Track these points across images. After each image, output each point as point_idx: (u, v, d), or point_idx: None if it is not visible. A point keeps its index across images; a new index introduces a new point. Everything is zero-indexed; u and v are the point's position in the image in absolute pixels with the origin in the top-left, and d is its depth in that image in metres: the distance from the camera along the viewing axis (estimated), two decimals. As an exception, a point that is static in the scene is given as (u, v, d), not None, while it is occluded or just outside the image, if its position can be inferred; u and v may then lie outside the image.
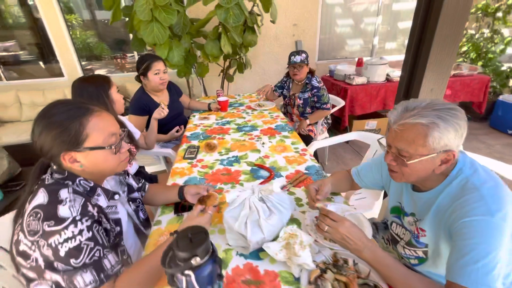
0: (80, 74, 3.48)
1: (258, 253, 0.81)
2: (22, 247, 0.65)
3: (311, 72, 2.25)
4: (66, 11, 3.31)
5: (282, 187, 1.12)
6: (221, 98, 2.16)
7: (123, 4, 2.69)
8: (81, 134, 0.69)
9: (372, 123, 3.25)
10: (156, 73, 1.76)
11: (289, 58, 2.16)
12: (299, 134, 2.25)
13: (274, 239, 0.79)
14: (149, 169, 1.96)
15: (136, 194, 0.99)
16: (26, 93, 3.30)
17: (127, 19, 2.48)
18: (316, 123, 2.33)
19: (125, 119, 1.51)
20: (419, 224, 0.82)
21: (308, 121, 2.25)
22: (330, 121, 2.51)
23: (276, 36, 3.51)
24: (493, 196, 0.66)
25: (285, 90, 2.42)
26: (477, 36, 3.59)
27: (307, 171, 1.25)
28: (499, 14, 3.43)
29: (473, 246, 0.62)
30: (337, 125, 3.27)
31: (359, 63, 3.20)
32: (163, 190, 1.07)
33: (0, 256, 0.95)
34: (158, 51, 2.12)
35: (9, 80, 3.45)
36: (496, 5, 3.43)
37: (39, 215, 0.61)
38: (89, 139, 0.70)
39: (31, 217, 0.62)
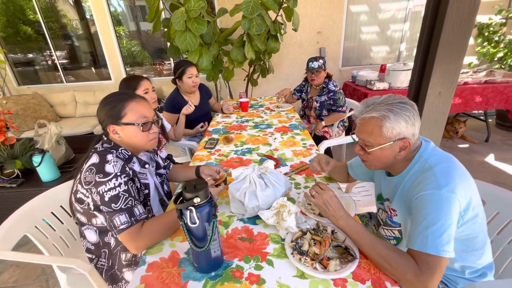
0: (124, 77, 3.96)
1: (254, 219, 0.97)
2: (79, 195, 0.90)
3: (329, 77, 2.37)
4: (115, 23, 3.83)
5: (285, 173, 1.28)
6: (242, 99, 2.37)
7: (163, 16, 3.08)
8: (121, 112, 0.92)
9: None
10: (189, 77, 2.03)
11: (307, 64, 2.31)
12: (315, 135, 2.38)
13: (268, 209, 0.95)
14: (177, 160, 2.23)
15: (162, 170, 1.21)
16: (80, 93, 3.86)
17: (165, 29, 2.83)
18: (332, 125, 2.43)
19: (160, 114, 1.79)
20: (391, 205, 0.92)
21: (323, 123, 2.37)
22: (347, 124, 2.59)
23: (300, 43, 3.68)
24: (443, 173, 0.75)
25: (303, 93, 2.57)
26: (516, 41, 3.40)
27: (309, 163, 1.38)
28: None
29: (424, 216, 0.72)
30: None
31: (382, 69, 3.22)
32: (184, 169, 1.28)
33: (62, 213, 1.24)
34: (190, 57, 2.41)
35: (68, 83, 4.06)
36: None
37: (93, 170, 0.85)
38: (126, 117, 0.93)
39: (87, 172, 0.86)
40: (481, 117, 3.43)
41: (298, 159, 1.43)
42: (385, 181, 0.97)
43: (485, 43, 3.55)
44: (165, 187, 1.21)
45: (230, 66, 2.66)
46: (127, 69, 4.07)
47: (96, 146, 0.95)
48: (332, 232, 0.86)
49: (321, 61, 2.27)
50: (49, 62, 4.08)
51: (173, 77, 2.11)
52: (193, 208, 0.65)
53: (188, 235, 0.68)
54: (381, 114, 0.78)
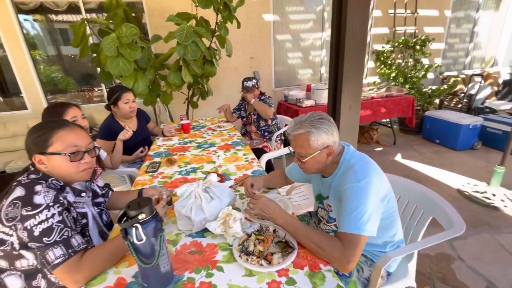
0: (45, 106, 3.52)
1: (202, 233, 1.01)
2: None
3: (262, 93, 2.61)
4: (30, 47, 3.44)
5: (230, 187, 1.36)
6: (183, 122, 2.39)
7: (90, 41, 2.93)
8: (47, 141, 0.88)
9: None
10: (126, 102, 1.97)
11: (242, 83, 2.51)
12: (253, 149, 2.54)
13: (215, 220, 1.00)
14: (115, 189, 2.07)
15: (100, 199, 1.15)
16: (-16, 127, 3.26)
17: (94, 54, 2.70)
18: (270, 139, 2.64)
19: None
20: (328, 202, 1.09)
21: (252, 100, 2.45)
22: (283, 138, 2.85)
23: (235, 67, 3.94)
24: (361, 169, 0.95)
25: (242, 111, 2.74)
26: (403, 64, 4.34)
27: (252, 174, 1.50)
28: (418, 47, 4.23)
29: (347, 204, 0.89)
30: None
31: (308, 89, 3.68)
32: (125, 194, 1.24)
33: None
34: (124, 82, 2.34)
35: (-35, 115, 3.39)
36: (414, 40, 4.25)
37: (17, 204, 0.77)
38: (53, 146, 0.88)
39: (10, 208, 0.78)
40: (388, 125, 4.18)
41: (241, 172, 1.53)
42: (322, 183, 1.14)
43: (382, 66, 4.43)
44: (104, 217, 1.15)
45: (168, 90, 2.68)
46: (49, 97, 3.64)
47: (20, 178, 0.87)
48: (274, 231, 0.97)
49: (254, 80, 2.50)
50: None
51: (106, 103, 2.01)
52: (138, 225, 0.67)
53: (135, 253, 0.69)
54: (306, 130, 0.95)
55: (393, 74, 4.30)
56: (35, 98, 3.49)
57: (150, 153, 1.95)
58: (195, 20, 2.77)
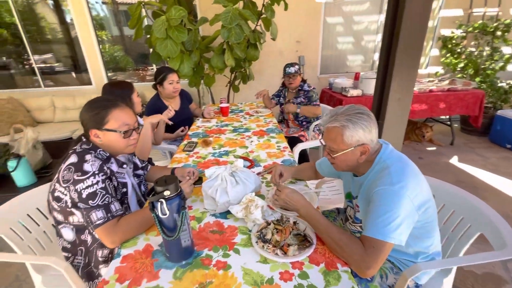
0: (105, 82, 3.94)
1: (225, 214, 1.05)
2: (56, 193, 0.94)
3: (304, 81, 2.51)
4: (98, 28, 3.82)
5: (258, 173, 1.37)
6: (222, 105, 2.45)
7: (145, 23, 3.13)
8: (104, 119, 0.98)
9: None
10: (170, 83, 2.09)
11: (284, 70, 2.45)
12: (289, 137, 2.50)
13: (238, 204, 1.03)
14: (157, 163, 2.26)
15: (140, 171, 1.27)
16: (59, 98, 3.80)
17: (148, 36, 2.88)
18: (308, 128, 2.56)
19: (140, 119, 1.84)
20: (356, 202, 1.03)
21: (298, 110, 2.44)
22: (323, 129, 2.73)
23: (280, 51, 3.83)
24: (397, 172, 0.87)
25: (281, 98, 2.69)
26: (476, 53, 3.72)
27: (282, 163, 1.48)
28: (499, 33, 3.56)
29: (376, 207, 0.83)
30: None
31: (356, 77, 3.42)
32: (160, 169, 1.34)
33: (38, 215, 1.26)
34: (171, 63, 2.47)
35: (46, 87, 3.98)
36: (495, 24, 3.57)
37: (71, 169, 0.90)
38: (109, 123, 0.99)
39: (65, 171, 0.91)
40: (447, 122, 3.70)
41: (271, 160, 1.53)
42: (353, 182, 1.08)
43: (448, 54, 3.86)
44: (143, 187, 1.26)
45: (211, 73, 2.75)
46: (109, 74, 4.05)
47: (75, 147, 1.00)
48: (294, 223, 0.96)
49: (296, 66, 2.41)
50: (26, 67, 3.99)
51: (154, 82, 2.16)
52: (163, 200, 0.73)
53: (159, 225, 0.75)
54: (342, 124, 0.88)
55: (461, 65, 3.72)
56: (98, 75, 3.92)
57: (189, 133, 2.06)
58: (242, 2, 2.74)
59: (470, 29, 3.64)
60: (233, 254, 0.85)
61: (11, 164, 1.87)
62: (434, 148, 3.47)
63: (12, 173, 1.90)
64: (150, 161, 1.91)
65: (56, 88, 3.99)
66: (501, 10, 3.69)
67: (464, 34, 3.73)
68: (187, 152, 1.68)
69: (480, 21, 3.60)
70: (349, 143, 0.90)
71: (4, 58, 3.96)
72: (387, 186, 0.84)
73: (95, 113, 0.98)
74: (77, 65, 4.08)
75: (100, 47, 3.83)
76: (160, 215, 0.74)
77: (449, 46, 3.83)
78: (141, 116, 2.09)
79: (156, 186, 0.74)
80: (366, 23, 3.91)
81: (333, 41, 3.99)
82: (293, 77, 2.40)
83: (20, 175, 1.93)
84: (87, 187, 0.88)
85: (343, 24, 3.90)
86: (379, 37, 3.94)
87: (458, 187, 1.16)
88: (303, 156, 2.52)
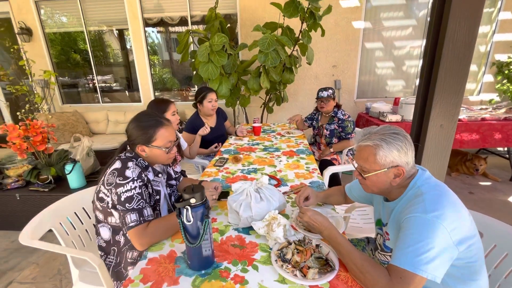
0: (153, 101, 4.36)
1: (248, 230, 1.06)
2: (101, 194, 1.05)
3: (338, 106, 2.48)
4: (151, 52, 4.31)
5: (284, 193, 1.36)
6: (255, 124, 2.53)
7: (191, 48, 3.46)
8: (152, 137, 1.09)
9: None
10: (209, 101, 2.26)
11: (317, 93, 2.46)
12: (323, 161, 2.45)
13: (261, 220, 1.03)
14: (189, 176, 2.38)
15: (173, 182, 1.35)
16: (113, 113, 4.28)
17: (192, 60, 3.17)
18: (341, 152, 2.49)
19: (179, 133, 1.99)
20: (386, 229, 0.96)
21: (332, 149, 2.44)
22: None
23: (315, 75, 3.88)
24: (432, 200, 0.80)
25: (314, 121, 2.69)
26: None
27: (310, 185, 1.46)
28: None
29: (407, 236, 0.77)
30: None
31: (396, 102, 3.28)
32: (191, 182, 1.42)
33: (83, 214, 1.40)
34: (211, 85, 2.66)
35: (103, 103, 4.53)
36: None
37: (115, 173, 1.00)
38: (156, 142, 1.10)
39: (110, 175, 1.02)
40: (506, 155, 3.29)
41: (299, 180, 1.51)
42: (383, 207, 1.02)
43: (505, 81, 3.52)
44: (173, 197, 1.34)
45: (246, 94, 2.88)
46: (157, 93, 4.48)
47: (120, 154, 1.12)
48: (317, 246, 0.92)
49: (330, 91, 2.41)
50: (90, 85, 4.62)
51: (194, 102, 2.34)
52: (189, 207, 0.77)
53: (183, 231, 0.79)
54: (375, 143, 0.86)
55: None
56: (147, 94, 4.36)
57: (222, 149, 2.15)
58: (281, 29, 2.90)
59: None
60: (251, 270, 0.84)
61: (68, 167, 2.13)
62: (489, 183, 3.08)
63: (67, 176, 2.16)
64: (183, 173, 2.02)
65: (111, 104, 4.52)
66: None
67: (523, 59, 3.40)
68: (218, 167, 1.74)
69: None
70: (382, 164, 0.86)
71: (75, 78, 4.65)
72: (420, 214, 0.78)
73: (144, 132, 1.09)
74: (131, 85, 4.60)
75: (151, 69, 4.30)
76: (185, 221, 0.78)
77: (506, 72, 3.50)
78: (180, 131, 2.25)
79: (184, 194, 0.79)
80: (407, 48, 3.80)
81: (372, 66, 3.93)
82: (326, 101, 2.40)
83: (73, 178, 2.18)
84: (126, 191, 0.97)
85: (383, 49, 3.84)
86: (422, 62, 3.78)
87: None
88: (335, 180, 2.44)
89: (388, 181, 0.88)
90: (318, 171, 1.65)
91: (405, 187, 0.90)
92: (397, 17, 3.70)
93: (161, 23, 4.16)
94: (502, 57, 3.57)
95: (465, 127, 2.87)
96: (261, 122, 2.91)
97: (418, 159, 1.64)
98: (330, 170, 1.94)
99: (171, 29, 4.38)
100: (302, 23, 2.79)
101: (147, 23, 4.06)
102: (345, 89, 3.93)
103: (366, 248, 1.24)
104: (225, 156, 1.96)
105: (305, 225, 0.95)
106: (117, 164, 1.04)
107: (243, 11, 3.70)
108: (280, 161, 1.81)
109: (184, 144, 2.09)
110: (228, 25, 3.71)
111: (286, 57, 2.93)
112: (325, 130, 2.54)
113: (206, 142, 2.28)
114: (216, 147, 2.32)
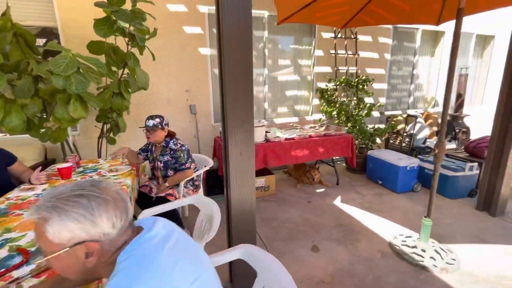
0: None
1: None
2: None
3: (170, 135, 2.27)
4: None
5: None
6: (62, 165, 1.95)
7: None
8: None
9: (260, 180, 3.35)
10: None
11: (145, 122, 2.17)
12: (158, 198, 2.14)
13: None
14: None
15: None
16: None
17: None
18: (178, 185, 2.25)
19: None
20: None
21: (167, 184, 2.18)
22: (198, 183, 2.47)
23: (168, 100, 3.64)
24: (125, 276, 0.60)
25: (149, 153, 2.37)
26: (346, 102, 4.31)
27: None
28: (360, 86, 4.25)
29: None
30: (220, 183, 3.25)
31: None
32: None
33: None
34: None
35: None
36: (356, 79, 4.28)
37: None
38: None
39: None
40: (331, 164, 3.98)
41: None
42: None
43: (324, 104, 4.39)
44: None
45: (53, 126, 2.25)
46: None
47: None
48: None
49: (157, 119, 2.17)
50: None
51: None
52: None
53: None
54: (42, 216, 0.60)
55: (335, 112, 4.24)
56: None
57: (-20, 210, 1.47)
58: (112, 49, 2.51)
59: (338, 83, 4.26)
60: None
61: None
62: (323, 190, 3.61)
63: None
64: None
65: None
66: (359, 68, 4.50)
67: (335, 86, 4.34)
68: None
69: (344, 77, 4.27)
70: (58, 243, 0.60)
71: None
72: None
73: None
74: None
75: None
76: None
77: (326, 96, 4.37)
78: None
79: None
80: (254, 75, 4.16)
81: (226, 91, 4.06)
82: (152, 131, 2.14)
83: None
84: None
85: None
86: (266, 88, 4.22)
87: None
88: (176, 217, 2.17)
89: (80, 263, 0.63)
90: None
91: (114, 264, 0.67)
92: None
93: None
94: (322, 85, 4.45)
95: (297, 145, 3.27)
96: (80, 159, 2.34)
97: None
98: (142, 214, 1.62)
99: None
100: (128, 44, 2.50)
101: None
102: (201, 114, 3.86)
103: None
104: (-30, 224, 1.31)
105: None
106: None
107: (66, 26, 3.07)
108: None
109: None
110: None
111: (115, 81, 2.53)
112: (159, 163, 2.26)
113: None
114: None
